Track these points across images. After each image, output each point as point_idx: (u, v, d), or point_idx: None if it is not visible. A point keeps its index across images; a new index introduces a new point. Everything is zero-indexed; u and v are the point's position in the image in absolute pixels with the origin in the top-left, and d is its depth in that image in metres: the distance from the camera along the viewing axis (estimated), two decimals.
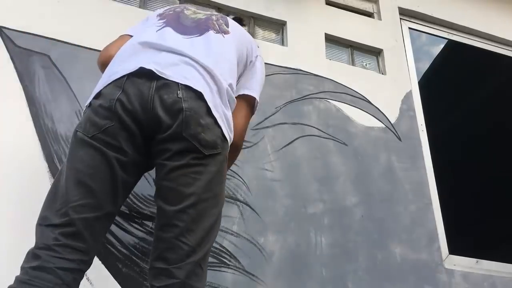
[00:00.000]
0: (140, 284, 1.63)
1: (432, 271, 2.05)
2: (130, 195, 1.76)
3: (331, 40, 2.57)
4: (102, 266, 1.62)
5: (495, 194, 4.23)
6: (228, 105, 1.28)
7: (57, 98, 1.85)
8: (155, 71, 1.15)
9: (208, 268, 1.73)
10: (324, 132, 2.21)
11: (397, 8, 2.86)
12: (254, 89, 1.44)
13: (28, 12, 1.98)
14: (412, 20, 2.92)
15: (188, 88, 1.16)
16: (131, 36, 1.40)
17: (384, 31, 2.73)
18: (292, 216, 1.96)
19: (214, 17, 1.45)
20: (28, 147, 1.72)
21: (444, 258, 2.12)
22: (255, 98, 1.44)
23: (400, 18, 2.85)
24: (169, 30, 1.32)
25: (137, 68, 1.17)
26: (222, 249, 1.79)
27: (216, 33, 1.38)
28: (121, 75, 1.17)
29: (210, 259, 1.75)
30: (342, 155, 2.19)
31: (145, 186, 1.80)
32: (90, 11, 2.09)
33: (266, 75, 2.24)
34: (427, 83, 3.30)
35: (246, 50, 1.47)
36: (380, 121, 2.37)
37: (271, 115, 2.16)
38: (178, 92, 1.14)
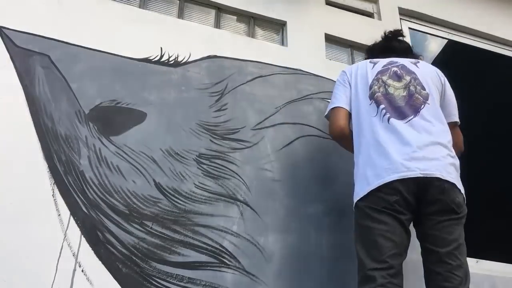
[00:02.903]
0: (140, 284, 1.63)
1: None
2: (130, 195, 1.77)
3: (331, 40, 2.57)
4: (102, 266, 1.62)
5: (495, 193, 4.23)
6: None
7: (57, 98, 1.85)
8: (420, 175, 1.55)
9: (208, 268, 1.74)
10: (324, 132, 2.20)
11: (397, 8, 2.86)
12: (456, 114, 1.88)
13: (28, 12, 1.98)
14: (412, 20, 2.92)
15: (446, 181, 1.56)
16: (345, 108, 1.84)
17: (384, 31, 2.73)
18: (292, 216, 1.96)
19: (412, 88, 1.75)
20: (28, 147, 1.72)
21: None
22: (459, 122, 1.89)
23: (400, 18, 2.85)
24: (393, 122, 1.67)
25: (402, 177, 1.55)
26: (222, 249, 1.79)
27: (423, 106, 1.72)
28: (389, 181, 1.55)
29: (210, 259, 1.75)
30: (342, 155, 2.19)
31: (145, 186, 1.80)
32: (90, 11, 2.09)
33: (266, 75, 2.27)
34: None
35: (437, 86, 1.82)
36: None
37: (271, 115, 2.16)
38: (441, 183, 1.56)
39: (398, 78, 1.79)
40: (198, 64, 2.15)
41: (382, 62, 1.88)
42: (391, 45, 2.06)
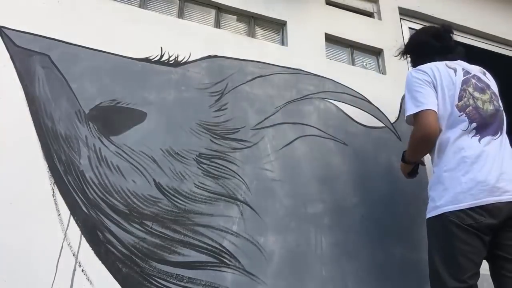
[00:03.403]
0: (140, 284, 1.63)
1: None
2: (130, 195, 1.77)
3: (331, 40, 2.57)
4: (102, 266, 1.62)
5: None
6: None
7: (57, 98, 1.85)
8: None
9: (208, 268, 1.74)
10: (324, 132, 2.21)
11: (397, 8, 2.86)
12: None
13: (28, 12, 1.98)
14: (412, 20, 2.92)
15: None
16: (436, 112, 1.72)
17: (384, 31, 2.73)
18: (292, 216, 1.96)
19: (496, 103, 1.76)
20: (28, 147, 1.72)
21: None
22: None
23: (400, 18, 2.85)
24: (484, 141, 1.67)
25: (497, 201, 1.56)
26: (222, 249, 1.79)
27: (503, 123, 1.76)
28: (484, 204, 1.56)
29: (210, 259, 1.76)
30: (342, 155, 2.19)
31: (145, 186, 1.80)
32: (90, 11, 2.09)
33: (266, 75, 2.27)
34: None
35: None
36: (380, 121, 2.37)
37: (271, 115, 2.16)
38: None
39: (481, 90, 1.77)
40: (198, 64, 2.15)
41: (458, 68, 1.81)
42: (450, 45, 1.97)
